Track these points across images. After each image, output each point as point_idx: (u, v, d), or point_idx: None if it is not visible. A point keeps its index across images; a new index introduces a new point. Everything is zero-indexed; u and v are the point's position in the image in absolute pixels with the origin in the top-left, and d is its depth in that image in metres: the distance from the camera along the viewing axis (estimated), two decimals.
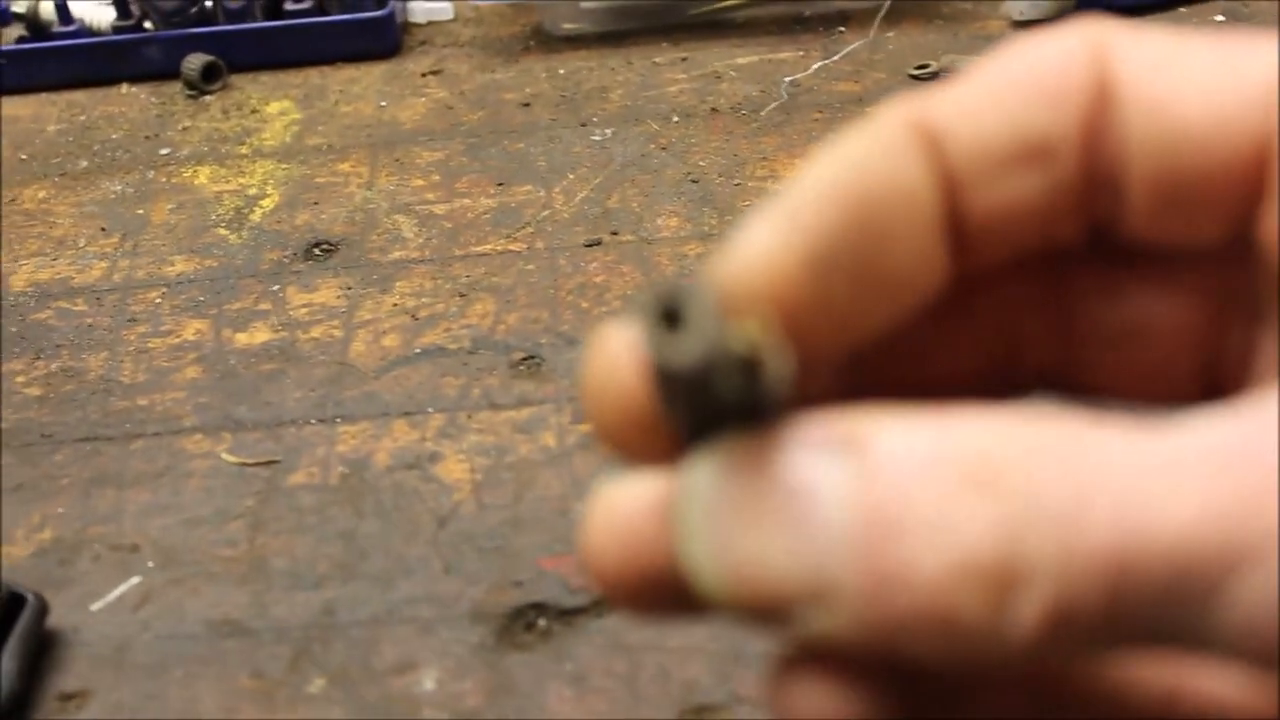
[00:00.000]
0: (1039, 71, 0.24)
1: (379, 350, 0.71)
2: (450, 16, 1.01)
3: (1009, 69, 0.24)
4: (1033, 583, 0.20)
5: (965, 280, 0.26)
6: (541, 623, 0.57)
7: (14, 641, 0.56)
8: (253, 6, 0.97)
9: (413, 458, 0.65)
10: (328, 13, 0.97)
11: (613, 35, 0.97)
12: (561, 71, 0.94)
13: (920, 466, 0.21)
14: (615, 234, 0.78)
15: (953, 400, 0.27)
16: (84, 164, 0.89)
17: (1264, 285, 0.25)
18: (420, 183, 0.84)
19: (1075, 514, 0.20)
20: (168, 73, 0.97)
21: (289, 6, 0.98)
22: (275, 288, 0.77)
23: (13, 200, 0.87)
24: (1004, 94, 0.24)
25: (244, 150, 0.89)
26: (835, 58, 0.91)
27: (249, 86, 0.96)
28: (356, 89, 0.94)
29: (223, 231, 0.82)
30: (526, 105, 0.91)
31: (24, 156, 0.91)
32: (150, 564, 0.61)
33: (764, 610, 0.22)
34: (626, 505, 0.24)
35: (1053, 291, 0.27)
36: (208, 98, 0.95)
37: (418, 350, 0.71)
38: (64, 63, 0.97)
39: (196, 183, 0.86)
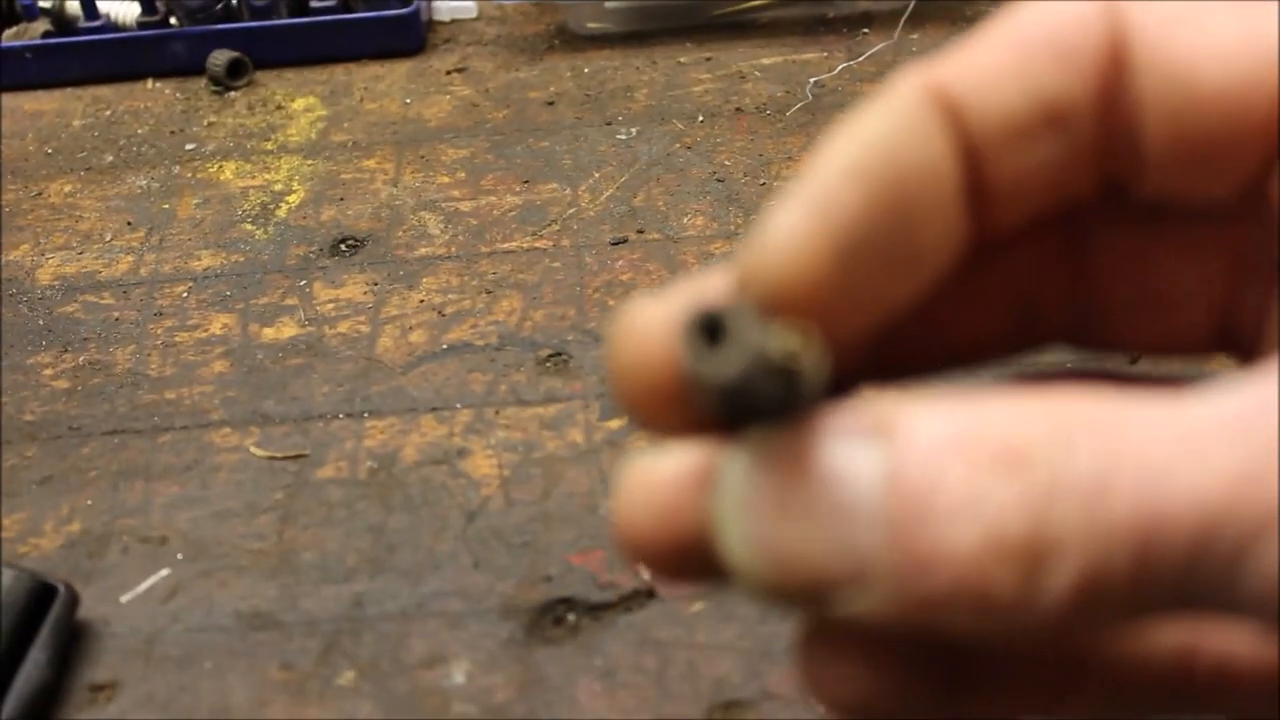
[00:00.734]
0: (1053, 33, 0.24)
1: (406, 346, 0.72)
2: (474, 15, 1.01)
3: (1023, 30, 0.24)
4: (1062, 555, 0.20)
5: (985, 243, 0.26)
6: (570, 617, 0.57)
7: (45, 632, 0.56)
8: (278, 3, 0.97)
9: (441, 453, 0.65)
10: (353, 10, 0.98)
11: (636, 35, 0.98)
12: (586, 70, 0.94)
13: (948, 448, 0.21)
14: (641, 232, 0.78)
15: (975, 359, 0.28)
16: (109, 159, 0.90)
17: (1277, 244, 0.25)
18: (446, 180, 0.84)
19: (1100, 487, 0.20)
20: (192, 69, 0.97)
21: (314, 4, 0.98)
22: (302, 283, 0.77)
23: (39, 194, 0.87)
24: (1020, 58, 0.24)
25: (269, 146, 0.89)
26: (860, 59, 0.92)
27: (274, 83, 0.96)
28: (381, 86, 0.95)
29: (249, 227, 0.82)
30: (551, 104, 0.91)
31: (49, 150, 0.91)
32: (179, 556, 0.62)
33: (800, 594, 0.22)
34: (657, 477, 0.25)
35: (1071, 251, 0.27)
36: (233, 94, 0.95)
37: (445, 346, 0.71)
38: (89, 58, 0.97)
39: (222, 178, 0.86)
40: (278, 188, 0.85)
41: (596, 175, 0.83)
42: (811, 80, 0.90)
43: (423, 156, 0.86)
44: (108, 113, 0.95)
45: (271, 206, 0.83)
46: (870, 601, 0.22)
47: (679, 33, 0.97)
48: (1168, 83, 0.23)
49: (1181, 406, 0.21)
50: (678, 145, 0.85)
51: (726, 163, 0.83)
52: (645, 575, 0.58)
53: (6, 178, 0.89)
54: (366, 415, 0.68)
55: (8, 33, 1.00)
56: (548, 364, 0.70)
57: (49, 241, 0.82)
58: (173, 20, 0.98)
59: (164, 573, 0.61)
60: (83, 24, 0.99)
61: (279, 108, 0.93)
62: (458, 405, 0.68)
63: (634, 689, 0.54)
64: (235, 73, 0.95)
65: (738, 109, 0.88)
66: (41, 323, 0.76)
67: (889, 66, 0.91)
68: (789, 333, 0.21)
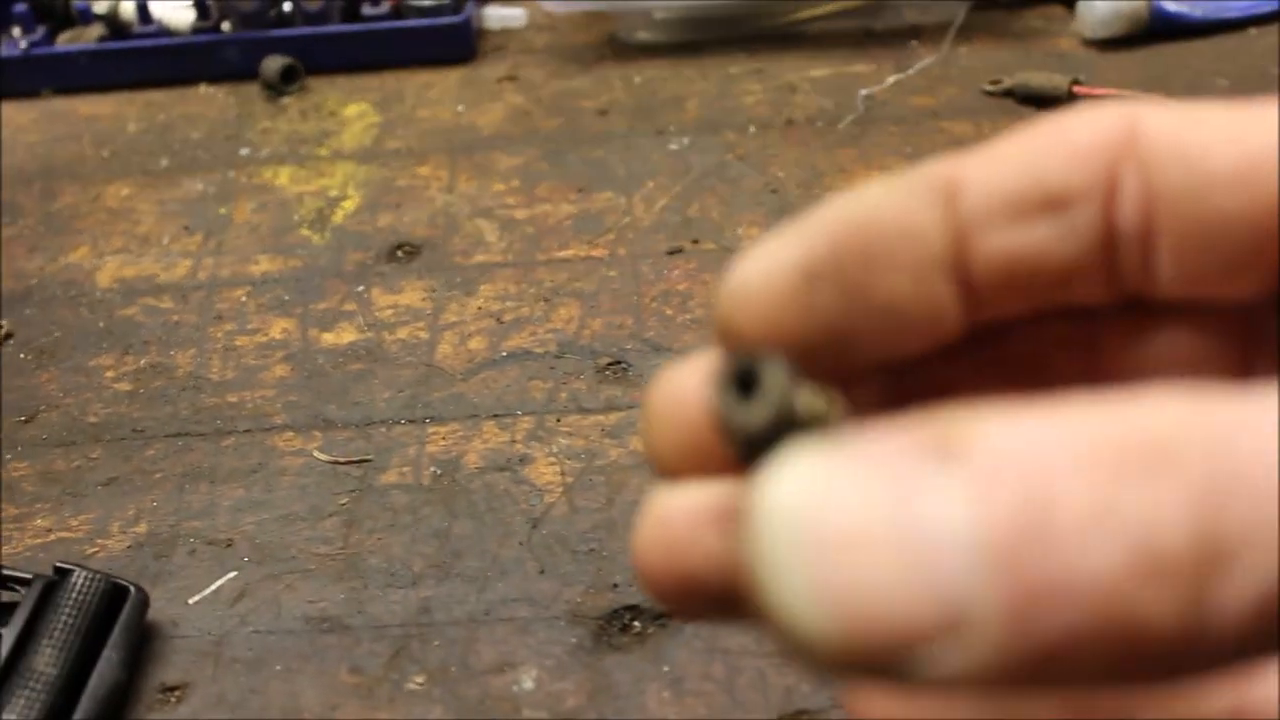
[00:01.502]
0: (1063, 130, 0.25)
1: (465, 352, 0.72)
2: (524, 24, 1.02)
3: (1037, 130, 0.25)
4: (1240, 564, 0.17)
5: (991, 322, 0.26)
6: (637, 625, 0.58)
7: (117, 633, 0.57)
8: (331, 10, 0.98)
9: (503, 459, 0.66)
10: (404, 18, 0.98)
11: (686, 45, 0.98)
12: (637, 80, 0.95)
13: (1054, 459, 0.18)
14: (696, 242, 0.78)
15: None
16: (165, 163, 0.90)
17: None
18: (500, 187, 0.85)
19: (1272, 481, 0.17)
20: (245, 74, 0.97)
21: (367, 11, 0.98)
22: (360, 288, 0.77)
23: (96, 197, 0.88)
24: (1025, 147, 0.25)
25: (323, 152, 0.90)
26: (909, 72, 0.92)
27: (326, 89, 0.97)
28: (433, 94, 0.95)
29: (305, 232, 0.83)
30: (603, 113, 0.91)
31: (106, 154, 0.92)
32: (245, 559, 0.62)
33: (882, 654, 0.18)
34: (672, 512, 0.25)
35: (1081, 334, 0.28)
36: (285, 99, 0.96)
37: (504, 353, 0.72)
38: (143, 62, 0.98)
39: (277, 183, 0.87)
40: (333, 193, 0.86)
41: (650, 185, 0.84)
42: (862, 93, 0.90)
43: (476, 164, 0.87)
44: (162, 117, 0.95)
45: (327, 212, 0.84)
46: (969, 655, 0.18)
47: (728, 44, 0.98)
48: (1180, 173, 0.24)
49: None
50: (730, 156, 0.86)
51: (779, 174, 0.84)
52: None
53: (64, 180, 0.90)
54: (428, 421, 0.68)
55: (63, 36, 1.01)
56: (607, 372, 0.70)
57: (107, 244, 0.83)
58: (225, 26, 0.99)
59: (231, 575, 0.62)
60: (137, 29, 0.99)
61: (332, 114, 0.94)
62: (519, 412, 0.68)
63: (703, 697, 0.55)
64: (288, 79, 0.96)
65: (789, 120, 0.89)
66: (102, 325, 0.77)
67: (938, 80, 0.92)
68: (816, 390, 0.23)
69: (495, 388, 0.70)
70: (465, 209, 0.83)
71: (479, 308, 0.75)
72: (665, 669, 0.56)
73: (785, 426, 0.22)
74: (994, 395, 0.27)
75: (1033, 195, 0.24)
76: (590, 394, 0.69)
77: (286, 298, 0.77)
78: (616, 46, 0.99)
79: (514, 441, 0.67)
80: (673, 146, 0.87)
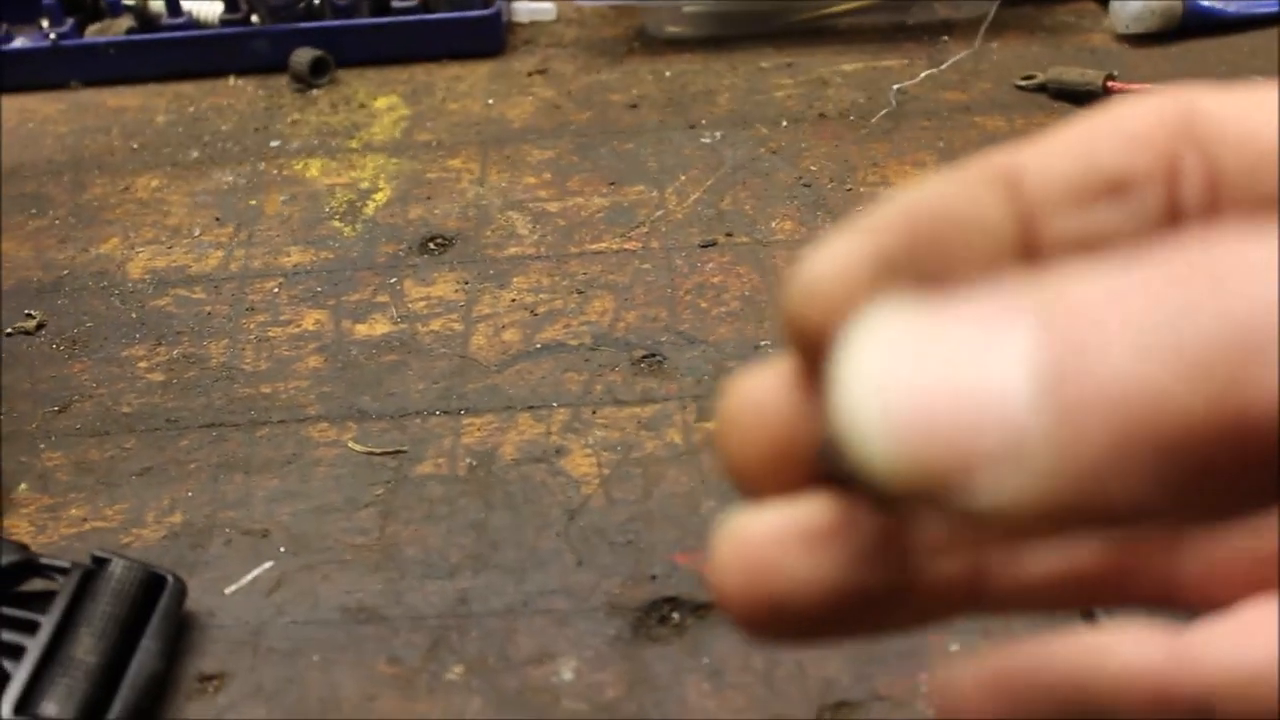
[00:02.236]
0: (1118, 117, 0.25)
1: (499, 344, 0.72)
2: (553, 17, 1.02)
3: (1091, 119, 0.25)
4: (1265, 357, 0.18)
5: None
6: (676, 617, 0.58)
7: (156, 622, 0.57)
8: (360, 3, 0.98)
9: (539, 451, 0.66)
10: (434, 11, 0.98)
11: (715, 39, 0.98)
12: (667, 74, 0.94)
13: (1102, 297, 0.19)
14: (730, 235, 0.78)
15: None
16: (195, 154, 0.90)
17: None
18: (532, 180, 0.84)
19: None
20: (274, 66, 0.97)
21: (396, 4, 0.98)
22: (392, 280, 0.77)
23: (126, 188, 0.88)
24: (1085, 135, 0.25)
25: (354, 144, 0.90)
26: (942, 67, 0.92)
27: (355, 81, 0.97)
28: (463, 87, 0.95)
29: (337, 224, 0.82)
30: (634, 107, 0.91)
31: (135, 146, 0.92)
32: (282, 549, 0.62)
33: (942, 479, 0.19)
34: (755, 535, 0.25)
35: None
36: (315, 92, 0.95)
37: (538, 345, 0.72)
38: (172, 55, 0.98)
39: (308, 175, 0.87)
40: (364, 185, 0.85)
41: (682, 178, 0.83)
42: (894, 87, 0.90)
43: (507, 157, 0.87)
44: (191, 109, 0.95)
45: (359, 204, 0.84)
46: (1024, 479, 0.19)
47: (758, 38, 0.97)
48: (1243, 146, 0.24)
49: None
50: (762, 150, 0.85)
51: (812, 168, 0.83)
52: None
53: (94, 172, 0.90)
54: (463, 413, 0.68)
55: (92, 28, 1.01)
56: (642, 365, 0.70)
57: (138, 236, 0.83)
58: (254, 18, 0.99)
59: (267, 565, 0.62)
60: (166, 21, 0.99)
61: (361, 106, 0.94)
62: (554, 404, 0.68)
63: (743, 689, 0.54)
64: (318, 71, 0.96)
65: (821, 114, 0.89)
66: (134, 316, 0.77)
67: (971, 74, 0.91)
68: None
69: (530, 380, 0.70)
70: (497, 201, 0.83)
71: (512, 300, 0.75)
72: (704, 660, 0.56)
73: None
74: None
75: (1093, 180, 0.25)
76: (625, 386, 0.69)
77: (319, 289, 0.77)
78: (646, 40, 0.99)
79: (550, 433, 0.66)
80: (705, 140, 0.87)
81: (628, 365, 0.70)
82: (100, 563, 0.57)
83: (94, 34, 1.00)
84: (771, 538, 0.25)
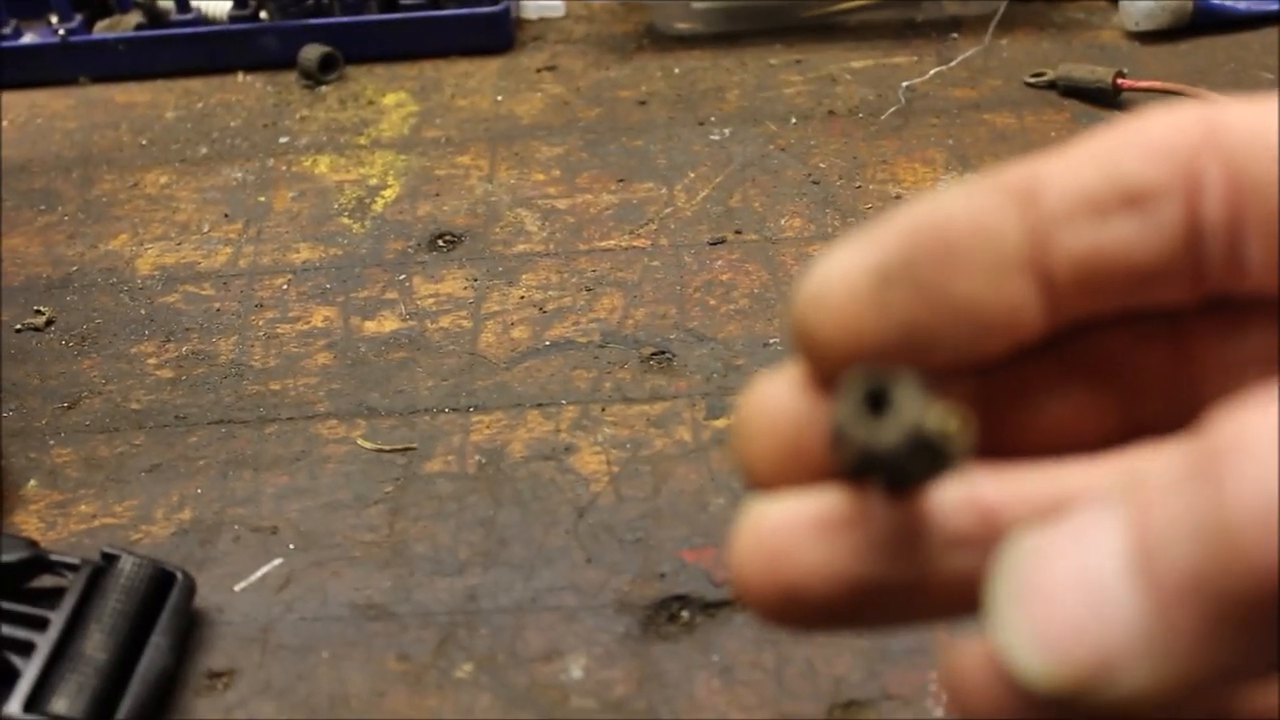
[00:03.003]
0: (1140, 129, 0.25)
1: (508, 342, 0.72)
2: (562, 13, 1.02)
3: (1113, 131, 0.25)
4: None
5: (1077, 324, 0.26)
6: (685, 614, 0.58)
7: (165, 618, 0.57)
8: None
9: (548, 449, 0.66)
10: (442, 7, 0.98)
11: (725, 36, 0.98)
12: (676, 70, 0.94)
13: (1167, 473, 0.21)
14: (739, 233, 0.78)
15: (1077, 448, 0.28)
16: (204, 150, 0.90)
17: None
18: (541, 177, 0.84)
19: None
20: (283, 62, 0.97)
21: (404, 0, 0.98)
22: (401, 277, 0.77)
23: (135, 184, 0.88)
24: (1103, 147, 0.25)
25: (362, 141, 0.90)
26: (951, 64, 0.91)
27: (364, 78, 0.96)
28: (471, 83, 0.95)
29: (346, 220, 0.82)
30: (643, 103, 0.91)
31: (144, 142, 0.92)
32: (291, 546, 0.62)
33: (1086, 685, 0.21)
34: (773, 525, 0.25)
35: (1167, 333, 0.27)
36: (323, 88, 0.95)
37: (547, 343, 0.72)
38: (181, 50, 0.98)
39: (317, 172, 0.87)
40: (373, 182, 0.85)
41: (691, 175, 0.83)
42: (904, 84, 0.90)
43: (516, 153, 0.87)
44: (200, 105, 0.95)
45: (367, 201, 0.84)
46: (1146, 664, 0.21)
47: (767, 34, 0.97)
48: (1267, 158, 0.24)
49: None
50: (771, 147, 0.85)
51: (821, 165, 0.83)
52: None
53: (102, 168, 0.90)
54: (472, 410, 0.68)
55: (101, 24, 1.01)
56: (651, 362, 0.70)
57: (147, 232, 0.83)
58: (263, 14, 0.98)
59: (276, 562, 0.62)
60: (175, 17, 0.99)
61: (370, 103, 0.94)
62: (563, 401, 0.68)
63: (753, 686, 0.54)
64: (326, 67, 0.96)
65: (830, 111, 0.88)
66: (143, 312, 0.77)
67: (980, 71, 0.91)
68: (947, 411, 0.23)
69: (539, 377, 0.70)
70: (506, 198, 0.83)
71: (521, 297, 0.75)
72: (714, 658, 0.56)
73: (916, 447, 0.22)
74: (1080, 395, 0.27)
75: (1112, 193, 0.24)
76: (634, 384, 0.69)
77: (328, 286, 0.77)
78: (655, 37, 0.99)
79: (559, 431, 0.66)
80: (714, 137, 0.87)
81: (637, 363, 0.70)
82: (110, 559, 0.57)
83: (103, 30, 1.00)
84: (788, 526, 0.25)
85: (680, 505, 0.62)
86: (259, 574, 0.61)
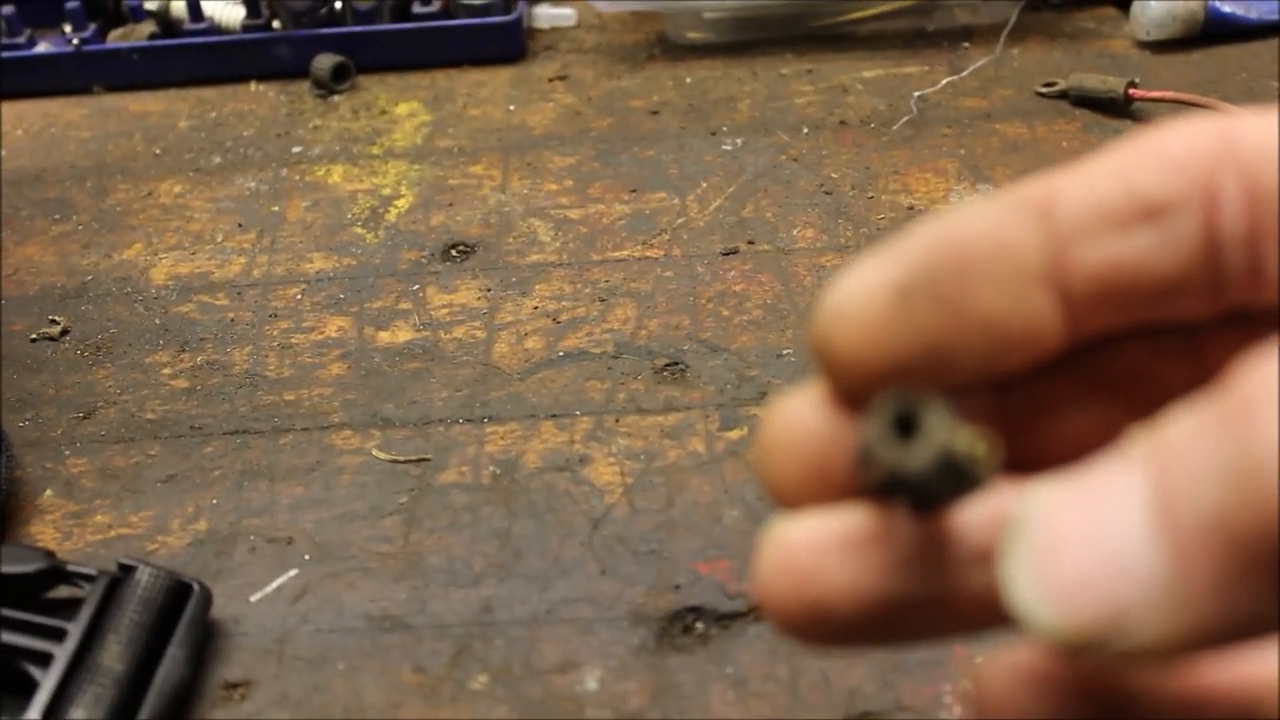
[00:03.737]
0: (1157, 142, 0.25)
1: (522, 352, 0.72)
2: (574, 23, 1.02)
3: (1131, 144, 0.25)
4: None
5: (1095, 344, 0.26)
6: (700, 626, 0.58)
7: (182, 629, 0.57)
8: (381, 8, 0.98)
9: (562, 460, 0.66)
10: (455, 17, 0.98)
11: (736, 45, 0.98)
12: (688, 80, 0.95)
13: (1192, 429, 0.21)
14: (752, 243, 0.78)
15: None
16: (217, 160, 0.91)
17: None
18: (553, 187, 0.85)
19: None
20: (295, 72, 0.98)
21: (417, 9, 0.98)
22: (415, 287, 0.77)
23: (149, 194, 0.88)
24: (1122, 160, 0.25)
25: (375, 150, 0.90)
26: (963, 74, 0.92)
27: (376, 87, 0.97)
28: (484, 93, 0.95)
29: (359, 230, 0.83)
30: (655, 113, 0.91)
31: (158, 151, 0.92)
32: (306, 557, 0.62)
33: (1097, 634, 0.22)
34: (797, 542, 0.26)
35: (1186, 346, 0.27)
36: (336, 97, 0.96)
37: (561, 353, 0.72)
38: (194, 60, 0.98)
39: (330, 181, 0.87)
40: (386, 192, 0.86)
41: (704, 185, 0.84)
42: (915, 94, 0.90)
43: (529, 163, 0.87)
44: (213, 114, 0.96)
45: (381, 210, 0.84)
46: (1162, 615, 0.21)
47: (778, 44, 0.98)
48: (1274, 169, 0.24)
49: None
50: (783, 157, 0.86)
51: (833, 175, 0.83)
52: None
53: (116, 177, 0.90)
54: (486, 421, 0.68)
55: (114, 34, 1.01)
56: (665, 373, 0.70)
57: (161, 241, 0.83)
58: (276, 24, 0.99)
59: (292, 573, 0.62)
60: (188, 26, 1.00)
61: (383, 112, 0.94)
62: (577, 412, 0.68)
63: (767, 698, 0.55)
64: (339, 77, 0.96)
65: (842, 121, 0.89)
66: (158, 322, 0.77)
67: (991, 81, 0.91)
68: (975, 435, 0.23)
69: (553, 388, 0.70)
70: (518, 208, 0.83)
71: (535, 307, 0.75)
72: (729, 670, 0.56)
73: (944, 470, 0.23)
74: (1098, 410, 0.27)
75: (1129, 206, 0.25)
76: (648, 395, 0.69)
77: (341, 296, 0.77)
78: (666, 46, 0.99)
79: (573, 442, 0.67)
80: (726, 147, 0.87)
81: (650, 373, 0.70)
82: (126, 570, 0.58)
83: (116, 39, 1.00)
84: (814, 544, 0.26)
85: (694, 517, 0.62)
86: (275, 585, 0.61)
